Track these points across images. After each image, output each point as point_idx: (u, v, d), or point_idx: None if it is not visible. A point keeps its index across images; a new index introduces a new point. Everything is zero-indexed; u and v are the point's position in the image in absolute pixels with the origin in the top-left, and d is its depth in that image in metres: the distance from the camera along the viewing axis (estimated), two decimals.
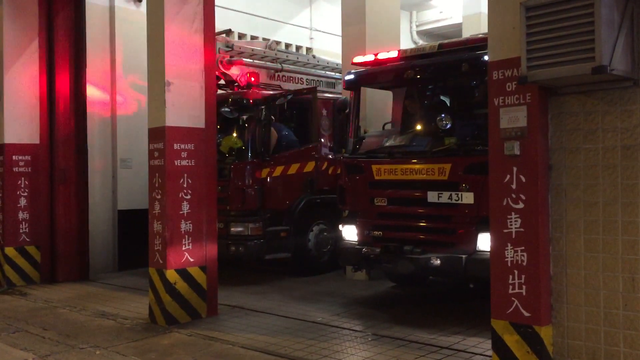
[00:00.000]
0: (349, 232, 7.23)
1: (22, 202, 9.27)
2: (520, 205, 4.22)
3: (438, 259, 6.24)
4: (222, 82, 9.63)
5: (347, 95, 8.07)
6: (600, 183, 4.02)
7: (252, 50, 9.83)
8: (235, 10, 12.44)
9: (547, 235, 4.21)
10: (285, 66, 10.21)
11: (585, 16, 3.65)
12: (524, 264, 4.20)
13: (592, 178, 4.05)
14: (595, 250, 4.03)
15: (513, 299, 4.25)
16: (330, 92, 10.48)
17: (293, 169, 9.07)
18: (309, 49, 14.20)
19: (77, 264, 9.62)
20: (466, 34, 11.70)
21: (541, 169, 4.18)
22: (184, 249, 6.68)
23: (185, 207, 6.72)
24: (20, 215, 9.25)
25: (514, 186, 4.26)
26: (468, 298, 7.44)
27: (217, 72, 8.81)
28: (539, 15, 3.85)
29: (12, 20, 9.24)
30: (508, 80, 4.26)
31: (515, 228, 4.24)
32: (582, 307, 4.09)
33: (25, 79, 9.37)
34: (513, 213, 4.25)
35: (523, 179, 4.21)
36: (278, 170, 8.89)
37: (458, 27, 14.13)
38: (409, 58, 7.08)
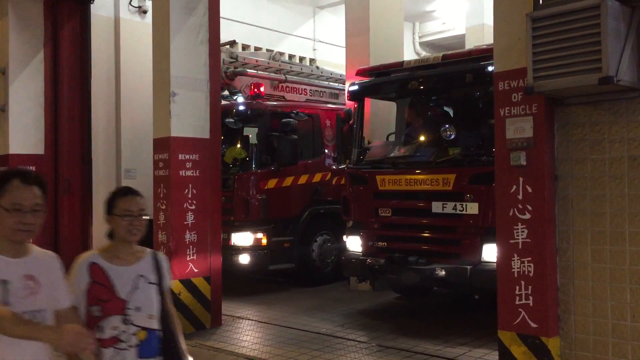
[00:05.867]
0: (353, 243, 7.21)
1: None
2: (527, 216, 4.21)
3: (443, 270, 6.22)
4: (226, 92, 9.65)
5: (350, 106, 8.07)
6: (608, 194, 4.01)
7: (256, 61, 9.86)
8: (239, 22, 12.49)
9: (554, 245, 4.20)
10: (289, 77, 10.24)
11: (592, 27, 3.66)
12: (531, 274, 4.18)
13: (599, 189, 4.05)
14: (603, 261, 4.02)
15: (520, 310, 4.23)
16: (333, 103, 10.51)
17: (303, 179, 9.05)
18: (312, 60, 14.25)
19: None
20: (469, 45, 11.72)
21: (548, 179, 4.18)
22: (188, 259, 6.67)
23: (190, 218, 6.71)
24: None
25: (520, 197, 4.25)
26: (473, 309, 7.40)
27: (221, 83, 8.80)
28: (546, 26, 3.86)
29: (17, 32, 9.27)
30: (514, 91, 4.27)
31: (522, 239, 4.23)
32: (589, 318, 4.07)
33: (30, 90, 9.38)
34: (520, 223, 4.24)
35: (529, 190, 4.21)
36: (288, 181, 8.88)
37: (461, 38, 14.15)
38: (412, 69, 7.10)
